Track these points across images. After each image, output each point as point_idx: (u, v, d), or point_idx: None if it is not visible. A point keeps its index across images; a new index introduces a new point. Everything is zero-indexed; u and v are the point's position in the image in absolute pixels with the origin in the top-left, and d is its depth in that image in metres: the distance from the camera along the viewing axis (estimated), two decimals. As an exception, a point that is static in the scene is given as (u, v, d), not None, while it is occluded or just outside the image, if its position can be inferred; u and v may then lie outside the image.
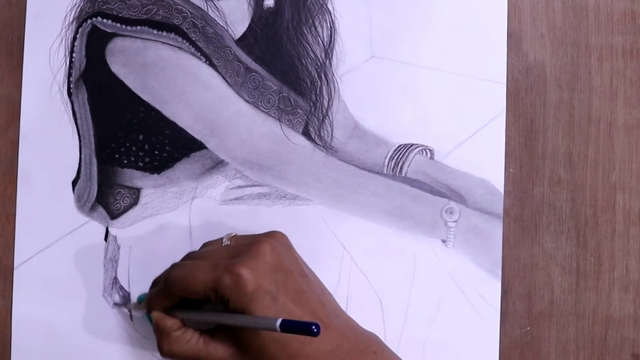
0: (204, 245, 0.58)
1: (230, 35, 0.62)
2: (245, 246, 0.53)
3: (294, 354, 0.51)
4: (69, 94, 0.62)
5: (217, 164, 0.62)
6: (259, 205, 0.62)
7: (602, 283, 0.61)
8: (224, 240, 0.57)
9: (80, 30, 0.62)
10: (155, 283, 0.58)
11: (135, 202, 0.62)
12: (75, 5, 0.62)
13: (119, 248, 0.62)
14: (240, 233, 0.57)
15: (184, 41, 0.61)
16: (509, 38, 0.61)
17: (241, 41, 0.62)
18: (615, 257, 0.61)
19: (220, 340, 0.53)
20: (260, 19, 0.62)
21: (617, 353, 0.60)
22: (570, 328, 0.61)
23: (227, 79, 0.62)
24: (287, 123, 0.62)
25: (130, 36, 0.62)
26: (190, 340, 0.54)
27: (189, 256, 0.56)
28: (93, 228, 0.62)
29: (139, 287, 0.62)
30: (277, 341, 0.51)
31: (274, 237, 0.54)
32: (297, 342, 0.51)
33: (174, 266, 0.54)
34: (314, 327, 0.48)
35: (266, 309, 0.50)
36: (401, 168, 0.62)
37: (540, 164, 0.61)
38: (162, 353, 0.54)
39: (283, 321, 0.49)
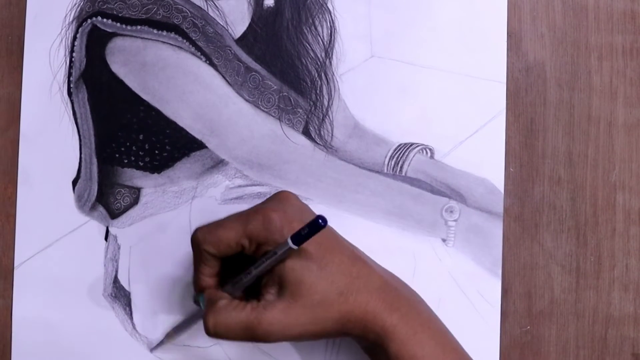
0: None
1: (230, 34, 0.62)
2: (265, 200, 0.54)
3: (344, 289, 0.50)
4: (69, 94, 0.62)
5: (218, 164, 0.62)
6: (259, 205, 0.62)
7: (602, 282, 0.61)
8: None
9: (80, 29, 0.62)
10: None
11: (135, 201, 0.62)
12: (75, 5, 0.62)
13: (119, 247, 0.62)
14: None
15: (184, 41, 0.61)
16: (509, 37, 0.61)
17: (241, 40, 0.62)
18: (615, 257, 0.61)
19: (267, 300, 0.51)
20: (260, 18, 0.62)
21: (617, 352, 0.60)
22: (570, 327, 0.61)
23: (227, 79, 0.62)
24: (287, 122, 0.62)
25: (131, 36, 0.62)
26: (236, 307, 0.51)
27: (198, 227, 0.54)
28: (93, 228, 0.62)
29: (139, 286, 0.62)
30: (324, 278, 0.50)
31: (287, 191, 0.55)
32: (345, 277, 0.50)
33: (197, 230, 0.53)
34: (320, 220, 0.48)
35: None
36: (401, 167, 0.62)
37: (541, 163, 0.61)
38: (208, 329, 0.51)
39: (292, 236, 0.49)
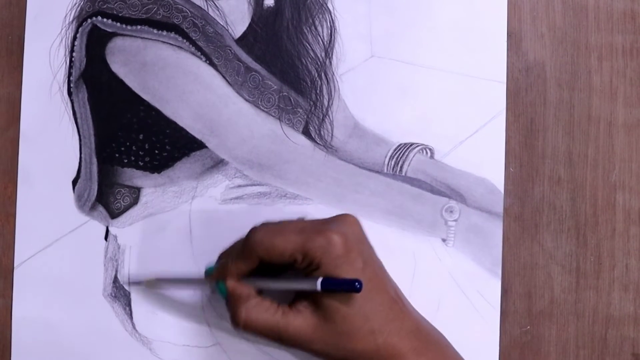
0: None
1: (230, 34, 0.62)
2: (328, 218, 0.53)
3: (376, 329, 0.50)
4: (69, 94, 0.62)
5: (218, 163, 0.62)
6: (259, 205, 0.62)
7: (602, 282, 0.61)
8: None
9: (80, 29, 0.62)
10: (221, 257, 0.57)
11: (135, 201, 0.62)
12: (75, 4, 0.62)
13: (119, 247, 0.62)
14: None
15: (184, 40, 0.61)
16: (509, 37, 0.61)
17: (241, 40, 0.62)
18: (615, 257, 0.61)
19: (300, 310, 0.52)
20: (261, 18, 0.62)
21: (617, 352, 0.60)
22: (570, 327, 0.61)
23: (227, 78, 0.62)
24: (287, 122, 0.62)
25: (131, 35, 0.62)
26: (269, 309, 0.52)
27: (256, 227, 0.54)
28: (93, 227, 0.62)
29: (139, 286, 0.62)
30: (360, 314, 0.50)
31: (353, 216, 0.54)
32: (380, 317, 0.51)
33: (254, 229, 0.52)
34: (357, 284, 0.48)
35: (356, 273, 0.50)
36: (401, 167, 0.62)
37: (540, 163, 0.61)
38: (238, 323, 0.52)
39: (323, 280, 0.49)
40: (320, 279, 0.50)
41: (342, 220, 0.53)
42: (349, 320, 0.50)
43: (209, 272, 0.56)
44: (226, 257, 0.56)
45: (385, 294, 0.52)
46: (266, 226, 0.53)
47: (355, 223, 0.53)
